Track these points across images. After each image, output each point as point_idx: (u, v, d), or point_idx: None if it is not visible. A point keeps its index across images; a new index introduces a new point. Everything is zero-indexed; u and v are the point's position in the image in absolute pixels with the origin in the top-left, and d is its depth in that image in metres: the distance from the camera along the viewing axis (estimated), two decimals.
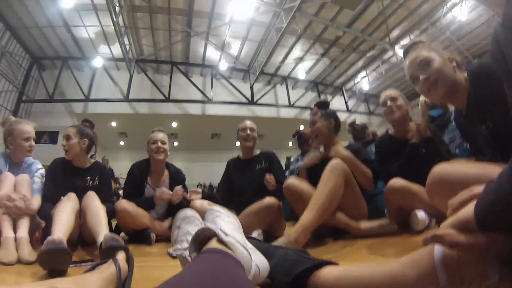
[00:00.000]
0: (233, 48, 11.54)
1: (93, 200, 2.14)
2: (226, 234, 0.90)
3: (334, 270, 0.90)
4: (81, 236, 2.33)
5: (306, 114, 12.89)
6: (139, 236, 2.64)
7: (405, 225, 2.15)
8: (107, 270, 0.99)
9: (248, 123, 3.11)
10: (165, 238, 2.62)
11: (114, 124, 12.26)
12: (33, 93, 10.63)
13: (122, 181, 5.72)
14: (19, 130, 2.52)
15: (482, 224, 0.60)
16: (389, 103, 2.47)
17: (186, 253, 0.98)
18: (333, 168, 2.10)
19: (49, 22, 9.06)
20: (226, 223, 1.04)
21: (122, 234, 2.81)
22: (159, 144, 2.95)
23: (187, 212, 1.23)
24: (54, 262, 1.38)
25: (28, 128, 2.58)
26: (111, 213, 2.53)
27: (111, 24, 8.44)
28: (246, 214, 2.50)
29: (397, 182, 2.13)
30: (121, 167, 10.92)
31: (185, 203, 2.79)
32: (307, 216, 1.92)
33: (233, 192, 3.00)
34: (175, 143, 14.59)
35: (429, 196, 1.30)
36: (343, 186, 2.08)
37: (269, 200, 2.48)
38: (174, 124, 12.97)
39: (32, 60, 10.56)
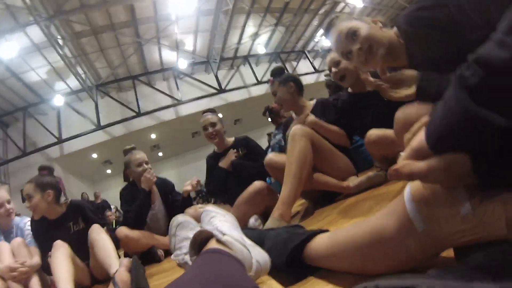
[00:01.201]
0: (188, 44, 11.35)
1: (98, 232, 2.12)
2: (223, 234, 0.90)
3: (323, 238, 0.90)
4: (94, 276, 2.33)
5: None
6: (147, 257, 2.64)
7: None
8: None
9: (208, 118, 3.02)
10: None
11: (94, 155, 12.02)
12: (5, 153, 10.26)
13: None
14: None
15: (434, 146, 0.59)
16: (333, 69, 2.40)
17: (187, 257, 0.99)
18: (294, 135, 2.07)
19: None
20: (222, 223, 1.03)
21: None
22: (145, 165, 2.94)
23: (179, 218, 1.23)
24: None
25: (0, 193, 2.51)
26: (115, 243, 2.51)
27: (59, 58, 8.14)
28: (238, 204, 2.51)
29: (373, 133, 2.08)
30: (115, 195, 10.80)
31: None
32: (284, 190, 1.93)
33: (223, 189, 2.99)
34: (160, 154, 14.47)
35: (398, 140, 1.28)
36: (310, 149, 2.04)
37: (256, 184, 2.49)
38: (153, 135, 12.81)
39: None
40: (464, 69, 0.52)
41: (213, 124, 2.98)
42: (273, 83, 2.59)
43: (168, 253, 2.65)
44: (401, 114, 1.29)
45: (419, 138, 0.63)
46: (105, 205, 8.99)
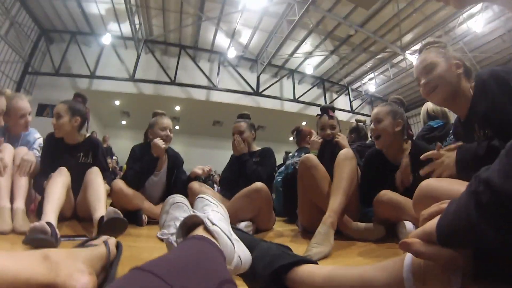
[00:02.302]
0: (243, 37, 11.43)
1: (96, 176, 2.14)
2: (212, 223, 0.91)
3: (312, 268, 0.92)
4: (76, 212, 2.34)
5: (310, 110, 12.89)
6: (131, 217, 2.64)
7: (392, 234, 2.14)
8: (97, 249, 1.00)
9: (238, 125, 3.11)
10: (157, 221, 2.63)
11: (117, 102, 12.22)
12: (39, 65, 10.53)
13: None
14: (14, 107, 2.49)
15: (441, 239, 0.64)
16: (372, 125, 2.35)
17: (173, 238, 1.01)
18: (347, 154, 2.18)
19: None
20: (214, 213, 1.05)
21: None
22: (168, 132, 2.97)
23: (176, 198, 1.24)
24: (38, 247, 1.35)
25: (23, 104, 2.56)
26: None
27: (123, 1, 8.34)
28: (235, 198, 2.54)
29: (386, 194, 2.12)
30: (121, 146, 10.96)
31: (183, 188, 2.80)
32: (334, 201, 1.97)
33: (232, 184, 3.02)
34: (177, 127, 14.59)
35: (415, 209, 1.35)
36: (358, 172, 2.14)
37: (257, 184, 2.50)
38: (177, 108, 12.94)
39: (41, 32, 10.45)
40: (477, 184, 0.57)
41: (241, 132, 3.04)
42: (331, 117, 2.78)
43: (151, 221, 2.68)
44: (425, 185, 1.33)
45: (432, 224, 0.67)
46: (109, 152, 9.11)
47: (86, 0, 9.34)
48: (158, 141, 2.82)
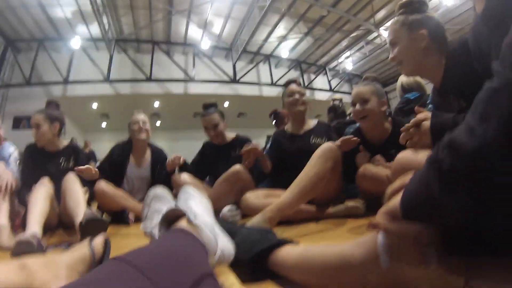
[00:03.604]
0: (215, 27, 11.28)
1: (72, 182, 2.13)
2: (195, 216, 0.91)
3: (292, 249, 0.94)
4: (61, 220, 2.34)
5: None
6: (118, 217, 2.67)
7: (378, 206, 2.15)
8: (79, 250, 1.01)
9: (211, 118, 3.03)
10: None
11: (95, 106, 11.95)
12: (9, 77, 10.17)
13: None
14: None
15: (405, 215, 0.65)
16: (358, 106, 2.29)
17: (155, 231, 1.00)
18: (324, 152, 2.01)
19: (22, 2, 8.57)
20: (197, 206, 1.05)
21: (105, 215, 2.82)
22: (141, 124, 2.98)
23: (157, 190, 1.23)
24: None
25: None
26: (92, 195, 2.56)
27: (89, 2, 8.08)
28: (216, 184, 2.56)
29: (366, 169, 2.15)
30: (103, 149, 10.76)
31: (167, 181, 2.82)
32: (286, 197, 1.89)
33: (205, 172, 3.07)
34: (158, 123, 14.43)
35: (393, 180, 1.34)
36: (329, 172, 2.00)
37: (235, 166, 2.52)
38: (157, 104, 12.77)
39: (6, 43, 10.05)
40: (440, 151, 0.57)
41: (215, 126, 3.00)
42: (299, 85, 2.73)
43: (138, 220, 2.66)
44: (401, 158, 1.37)
45: (396, 201, 0.68)
46: (91, 156, 8.95)
47: (50, 5, 8.99)
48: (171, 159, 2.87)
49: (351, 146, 2.16)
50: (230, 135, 3.10)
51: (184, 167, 2.93)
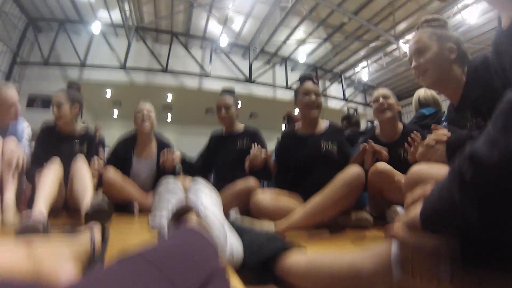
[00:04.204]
0: (236, 23, 11.28)
1: (82, 166, 2.11)
2: (205, 209, 0.93)
3: (300, 254, 0.93)
4: (67, 202, 2.33)
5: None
6: (124, 206, 2.66)
7: (384, 217, 2.17)
8: (81, 238, 1.01)
9: (224, 99, 3.01)
10: (148, 212, 2.62)
11: (108, 92, 12.05)
12: (28, 55, 10.27)
13: None
14: (2, 98, 2.47)
15: (425, 225, 0.64)
16: (381, 99, 2.53)
17: (164, 221, 1.00)
18: (352, 180, 1.93)
19: None
20: (207, 198, 1.05)
21: None
22: (144, 112, 2.97)
23: (170, 180, 1.25)
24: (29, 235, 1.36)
25: (11, 93, 2.52)
26: (100, 180, 2.58)
27: None
28: (225, 194, 2.48)
29: (381, 165, 2.16)
30: (113, 136, 10.82)
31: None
32: (298, 215, 1.88)
33: (211, 165, 3.01)
34: (169, 115, 14.49)
35: (404, 191, 1.34)
36: (350, 198, 1.98)
37: (250, 182, 2.46)
38: (170, 96, 12.82)
39: (28, 21, 10.16)
40: (462, 162, 0.56)
41: (227, 107, 2.97)
42: (315, 83, 2.59)
43: (142, 211, 2.65)
44: (415, 171, 1.35)
45: (415, 212, 0.67)
46: (101, 142, 8.97)
47: None
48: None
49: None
50: (238, 126, 3.08)
51: (183, 165, 2.89)
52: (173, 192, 1.17)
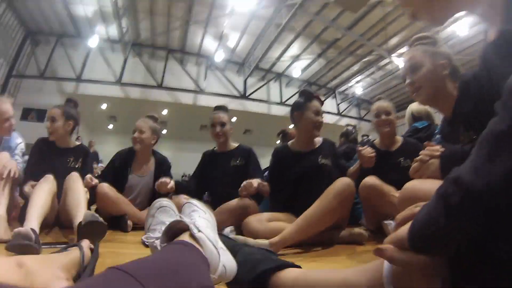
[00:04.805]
0: (231, 40, 11.45)
1: (75, 182, 2.09)
2: (198, 230, 0.90)
3: (294, 272, 0.92)
4: (58, 217, 2.29)
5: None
6: (116, 222, 2.59)
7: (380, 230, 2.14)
8: (71, 253, 1.01)
9: (219, 115, 2.94)
10: (143, 227, 2.61)
11: (104, 107, 12.08)
12: (24, 68, 10.32)
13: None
14: None
15: (413, 246, 0.64)
16: (383, 116, 2.55)
17: (158, 242, 0.99)
18: (342, 190, 1.99)
19: None
20: (201, 219, 1.04)
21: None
22: (135, 134, 2.93)
23: (164, 202, 1.23)
24: (21, 253, 1.33)
25: (6, 107, 2.53)
26: (92, 197, 2.48)
27: (110, 4, 8.27)
28: (221, 211, 2.46)
29: (370, 179, 2.18)
30: (108, 151, 10.78)
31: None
32: (292, 230, 1.88)
33: (205, 184, 2.95)
34: (164, 131, 14.47)
35: (399, 208, 1.34)
36: (341, 208, 2.02)
37: (246, 201, 2.43)
38: (165, 112, 12.86)
39: (26, 33, 10.26)
40: (447, 185, 0.58)
41: (222, 124, 2.91)
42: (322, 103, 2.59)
43: (136, 227, 2.62)
44: (409, 187, 1.36)
45: (405, 229, 0.67)
46: (95, 157, 8.92)
47: (73, 2, 9.20)
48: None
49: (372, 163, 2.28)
50: (233, 144, 3.03)
51: (178, 188, 2.82)
52: (166, 213, 1.16)
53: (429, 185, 1.21)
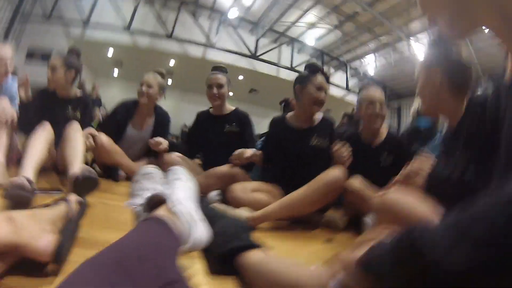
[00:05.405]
0: None
1: (75, 131, 2.09)
2: (176, 202, 0.97)
3: (259, 256, 0.98)
4: (56, 164, 2.32)
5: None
6: (110, 172, 2.72)
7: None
8: (59, 208, 1.06)
9: (216, 77, 2.86)
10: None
11: (110, 52, 11.90)
12: (30, 10, 9.90)
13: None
14: None
15: (357, 275, 0.65)
16: (378, 107, 2.32)
17: (139, 209, 1.06)
18: (330, 183, 1.94)
19: None
20: (182, 189, 1.10)
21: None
22: (143, 87, 2.92)
23: (149, 168, 1.28)
24: (16, 203, 1.38)
25: (3, 51, 2.48)
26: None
27: None
28: (209, 175, 2.47)
29: (353, 183, 2.08)
30: (112, 96, 10.78)
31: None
32: (275, 208, 1.87)
33: (198, 146, 2.96)
34: (169, 81, 14.37)
35: (377, 218, 1.35)
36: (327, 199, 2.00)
37: (236, 170, 2.44)
38: (172, 62, 12.71)
39: None
40: (407, 237, 0.56)
41: (219, 86, 2.83)
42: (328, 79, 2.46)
43: (129, 178, 2.66)
44: (388, 198, 1.28)
45: (356, 255, 0.68)
46: (97, 103, 8.84)
47: None
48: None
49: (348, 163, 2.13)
50: (228, 107, 2.95)
51: (172, 148, 2.84)
52: (151, 180, 1.19)
53: (409, 201, 1.20)
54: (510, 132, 0.67)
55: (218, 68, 2.98)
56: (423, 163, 1.37)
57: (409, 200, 1.20)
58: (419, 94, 1.51)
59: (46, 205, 1.08)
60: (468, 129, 1.31)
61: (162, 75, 3.09)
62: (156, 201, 0.98)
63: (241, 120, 2.87)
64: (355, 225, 2.10)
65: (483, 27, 0.68)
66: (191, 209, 1.02)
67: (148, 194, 1.01)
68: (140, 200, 1.07)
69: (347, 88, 14.19)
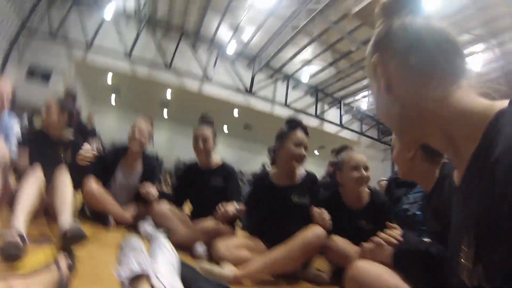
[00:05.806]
0: (246, 33, 11.43)
1: (63, 177, 2.10)
2: (157, 277, 1.04)
3: None
4: (46, 207, 2.25)
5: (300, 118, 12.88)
6: (101, 218, 2.66)
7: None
8: (50, 274, 1.12)
9: (203, 130, 2.84)
10: (125, 225, 2.69)
11: (110, 79, 12.01)
12: (36, 27, 10.15)
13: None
14: None
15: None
16: (364, 172, 2.31)
17: (125, 281, 1.08)
18: (308, 242, 1.99)
19: None
20: (163, 264, 1.17)
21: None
22: (136, 133, 2.90)
23: (136, 243, 1.31)
24: (7, 258, 1.37)
25: (2, 85, 2.49)
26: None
27: None
28: (195, 230, 2.46)
29: (338, 241, 2.11)
30: (108, 126, 10.81)
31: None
32: (257, 265, 1.92)
33: (186, 197, 2.95)
34: (165, 112, 14.47)
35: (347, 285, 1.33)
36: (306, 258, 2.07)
37: (220, 226, 2.40)
38: (169, 93, 12.85)
39: None
40: None
41: (205, 140, 2.81)
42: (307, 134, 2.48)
43: (118, 224, 2.68)
44: (357, 267, 1.29)
45: None
46: (93, 133, 8.58)
47: None
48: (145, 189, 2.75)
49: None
50: (215, 160, 2.93)
51: (162, 195, 2.78)
52: (136, 254, 1.21)
53: (377, 272, 1.21)
54: (453, 231, 0.67)
55: (205, 119, 2.96)
56: (390, 234, 1.34)
57: (377, 270, 1.21)
58: (394, 160, 1.59)
59: (38, 270, 1.13)
60: (436, 204, 1.37)
61: (151, 122, 3.09)
62: (138, 275, 1.04)
63: (227, 175, 2.83)
64: (338, 277, 2.09)
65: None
66: (173, 283, 1.09)
67: (132, 266, 1.07)
68: (126, 270, 1.11)
69: (340, 124, 14.37)
